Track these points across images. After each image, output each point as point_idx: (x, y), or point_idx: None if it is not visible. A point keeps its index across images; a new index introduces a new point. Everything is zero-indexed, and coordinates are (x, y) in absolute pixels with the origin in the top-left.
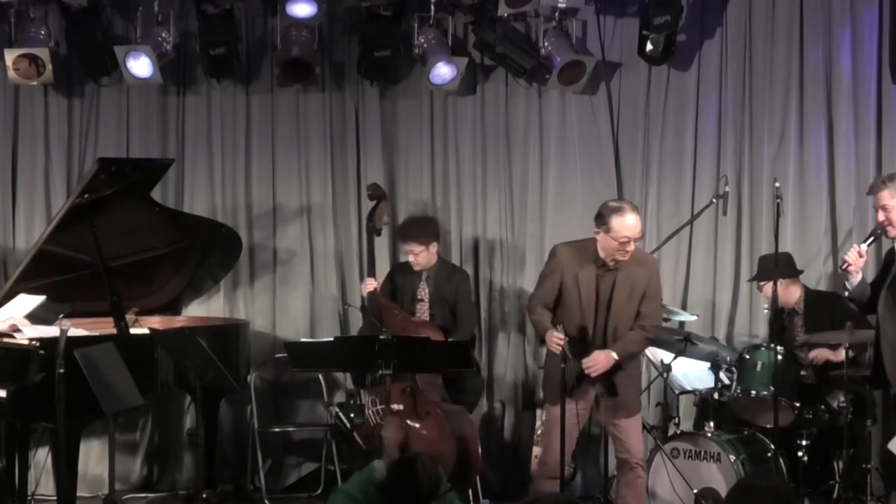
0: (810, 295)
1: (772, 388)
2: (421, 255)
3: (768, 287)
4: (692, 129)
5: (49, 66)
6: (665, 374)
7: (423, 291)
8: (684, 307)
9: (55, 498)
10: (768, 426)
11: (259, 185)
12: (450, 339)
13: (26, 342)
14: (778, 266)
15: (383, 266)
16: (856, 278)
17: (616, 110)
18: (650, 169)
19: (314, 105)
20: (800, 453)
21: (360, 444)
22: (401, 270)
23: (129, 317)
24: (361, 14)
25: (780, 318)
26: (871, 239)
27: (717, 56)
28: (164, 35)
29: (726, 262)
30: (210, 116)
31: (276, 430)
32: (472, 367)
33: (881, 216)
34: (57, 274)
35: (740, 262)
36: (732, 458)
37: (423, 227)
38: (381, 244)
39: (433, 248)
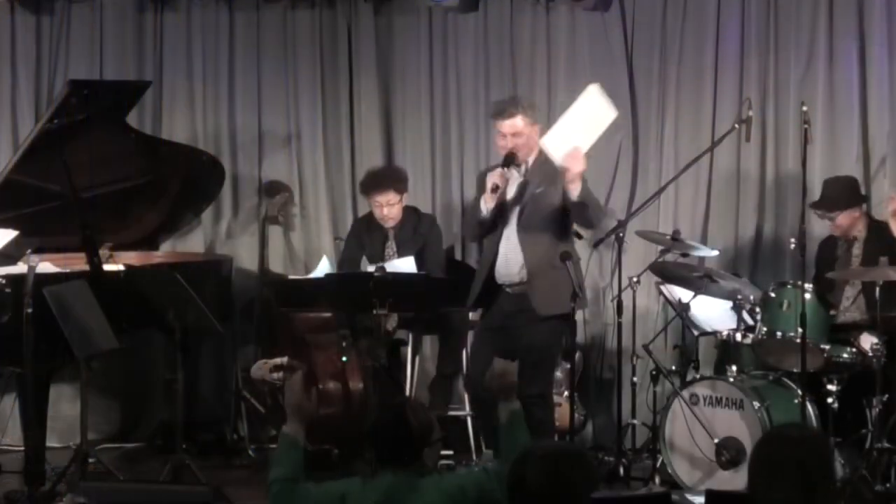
0: (874, 223)
1: (799, 329)
2: (395, 208)
3: (844, 217)
4: (713, 49)
5: None
6: (683, 314)
7: (391, 250)
8: (704, 241)
9: (22, 448)
10: (795, 370)
11: (243, 110)
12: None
13: None
14: (844, 193)
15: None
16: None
17: (630, 28)
18: (667, 92)
19: (303, 22)
20: (829, 399)
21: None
22: (365, 229)
23: (103, 252)
24: None
25: (831, 248)
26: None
27: None
28: None
29: (750, 192)
30: (190, 35)
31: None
32: (466, 305)
33: None
34: (25, 206)
35: (765, 193)
36: (756, 404)
37: (399, 175)
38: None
39: (405, 198)
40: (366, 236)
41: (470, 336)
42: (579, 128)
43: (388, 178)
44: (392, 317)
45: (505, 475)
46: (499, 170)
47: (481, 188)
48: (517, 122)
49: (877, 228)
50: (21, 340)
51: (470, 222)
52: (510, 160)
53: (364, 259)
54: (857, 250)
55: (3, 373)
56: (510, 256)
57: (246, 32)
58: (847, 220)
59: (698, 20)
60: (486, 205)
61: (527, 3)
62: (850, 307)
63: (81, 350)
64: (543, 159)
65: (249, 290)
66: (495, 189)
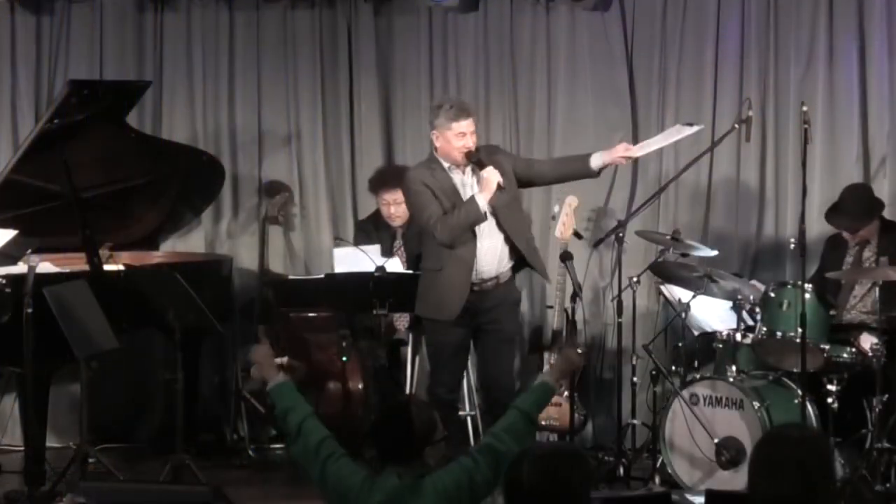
0: (887, 224)
1: (799, 329)
2: (402, 206)
3: (865, 231)
4: (713, 49)
5: None
6: (683, 314)
7: (399, 251)
8: (704, 241)
9: (22, 448)
10: (795, 370)
11: (243, 110)
12: None
13: None
14: (863, 207)
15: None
16: None
17: (630, 27)
18: (667, 92)
19: (303, 22)
20: (829, 399)
21: None
22: (373, 228)
23: (103, 252)
24: None
25: (840, 247)
26: None
27: None
28: None
29: (750, 192)
30: (190, 35)
31: None
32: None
33: None
34: (24, 206)
35: (765, 193)
36: (756, 404)
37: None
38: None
39: None
40: (374, 235)
41: None
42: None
43: (397, 176)
44: (404, 315)
45: (491, 448)
46: (490, 168)
47: (457, 193)
48: (473, 120)
49: (888, 229)
50: (21, 340)
51: (462, 224)
52: (476, 157)
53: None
54: (868, 252)
55: (3, 373)
56: (488, 254)
57: (246, 32)
58: (869, 232)
59: (698, 20)
60: (486, 205)
61: (527, 3)
62: (856, 305)
63: (81, 350)
64: (483, 153)
65: (249, 290)
66: (501, 187)
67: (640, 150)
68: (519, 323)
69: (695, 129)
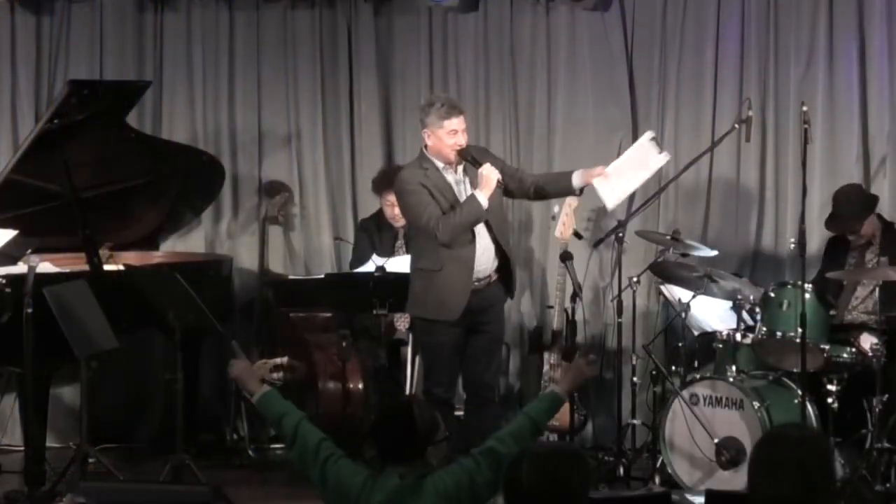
0: (888, 225)
1: (799, 329)
2: None
3: (865, 227)
4: (713, 49)
5: None
6: (683, 314)
7: (401, 250)
8: (704, 241)
9: (22, 448)
10: (795, 370)
11: (243, 110)
12: None
13: None
14: (858, 206)
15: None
16: None
17: (630, 28)
18: (667, 92)
19: (303, 22)
20: (829, 399)
21: None
22: (375, 228)
23: (103, 252)
24: None
25: (842, 249)
26: None
27: None
28: None
29: (750, 192)
30: (190, 35)
31: None
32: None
33: None
34: (24, 206)
35: (765, 193)
36: (756, 404)
37: None
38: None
39: None
40: (376, 235)
41: None
42: (629, 168)
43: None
44: (405, 315)
45: (494, 450)
46: (488, 164)
47: (452, 191)
48: (464, 118)
49: (889, 230)
50: (21, 340)
51: (465, 223)
52: (469, 155)
53: (374, 257)
54: (871, 254)
55: (3, 373)
56: (484, 254)
57: (246, 32)
58: (869, 227)
59: (698, 20)
60: (486, 202)
61: (527, 3)
62: (857, 306)
63: (81, 350)
64: (473, 152)
65: (249, 290)
66: (500, 183)
67: (614, 190)
68: (503, 329)
69: (662, 159)
